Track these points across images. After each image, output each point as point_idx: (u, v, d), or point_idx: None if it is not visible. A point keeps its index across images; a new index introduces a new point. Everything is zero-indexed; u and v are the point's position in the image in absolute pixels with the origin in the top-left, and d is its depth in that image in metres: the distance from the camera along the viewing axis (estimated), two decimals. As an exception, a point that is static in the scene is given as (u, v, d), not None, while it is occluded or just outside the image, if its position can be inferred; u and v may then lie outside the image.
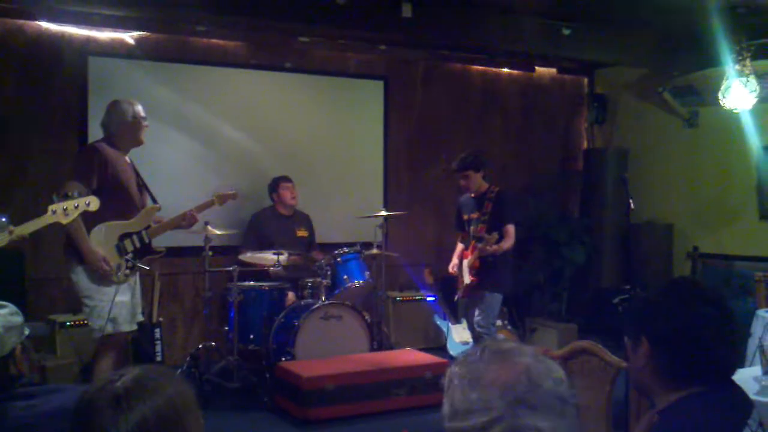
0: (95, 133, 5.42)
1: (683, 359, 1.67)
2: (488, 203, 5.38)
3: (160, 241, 4.71)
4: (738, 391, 1.70)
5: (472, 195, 5.51)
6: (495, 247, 5.18)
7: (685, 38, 6.38)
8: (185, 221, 4.67)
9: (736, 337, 1.73)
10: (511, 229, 5.32)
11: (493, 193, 5.41)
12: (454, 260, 5.60)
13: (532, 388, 1.21)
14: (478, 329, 5.39)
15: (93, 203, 3.65)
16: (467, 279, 5.40)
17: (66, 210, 3.55)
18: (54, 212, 3.53)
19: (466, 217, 5.56)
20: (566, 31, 6.28)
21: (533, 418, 1.18)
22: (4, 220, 4.37)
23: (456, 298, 5.68)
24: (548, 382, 1.22)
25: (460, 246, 5.67)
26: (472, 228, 5.46)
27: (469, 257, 5.39)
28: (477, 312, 5.40)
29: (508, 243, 5.29)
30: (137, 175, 4.55)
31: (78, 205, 3.59)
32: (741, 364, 3.74)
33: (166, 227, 4.63)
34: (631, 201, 5.77)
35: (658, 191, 7.40)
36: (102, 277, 4.18)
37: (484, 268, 5.32)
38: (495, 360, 1.26)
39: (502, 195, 5.44)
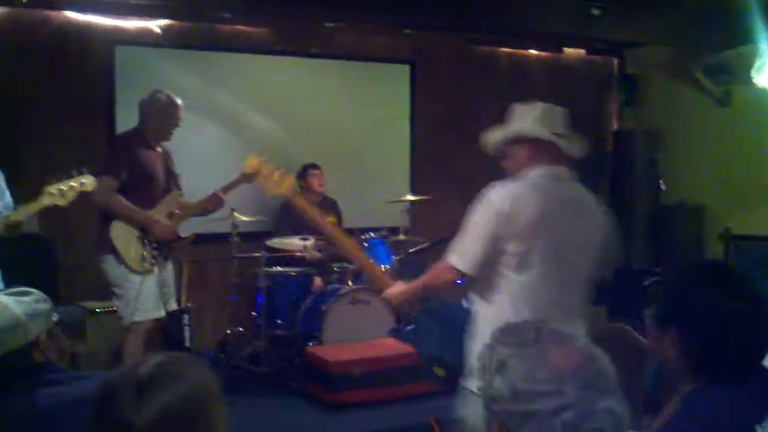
0: (122, 122, 5.48)
1: (714, 350, 1.64)
2: None
3: (190, 228, 4.74)
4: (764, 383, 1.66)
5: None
6: None
7: (717, 15, 6.24)
8: (211, 204, 4.67)
9: (766, 325, 1.68)
10: None
11: None
12: None
13: (596, 371, 1.21)
14: None
15: (89, 182, 3.61)
16: None
17: (62, 192, 3.51)
18: (51, 194, 3.51)
19: None
20: (596, 11, 6.17)
21: (605, 400, 1.19)
22: None
23: None
24: (605, 363, 1.23)
25: None
26: None
27: None
28: None
29: None
30: (167, 164, 4.56)
31: (74, 185, 3.56)
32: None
33: (192, 212, 4.64)
34: (661, 182, 5.71)
35: (690, 172, 7.27)
36: (127, 267, 4.23)
37: None
38: (555, 343, 1.24)
39: None
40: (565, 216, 2.70)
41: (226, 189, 4.74)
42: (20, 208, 3.53)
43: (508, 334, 1.29)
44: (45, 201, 3.47)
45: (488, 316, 2.68)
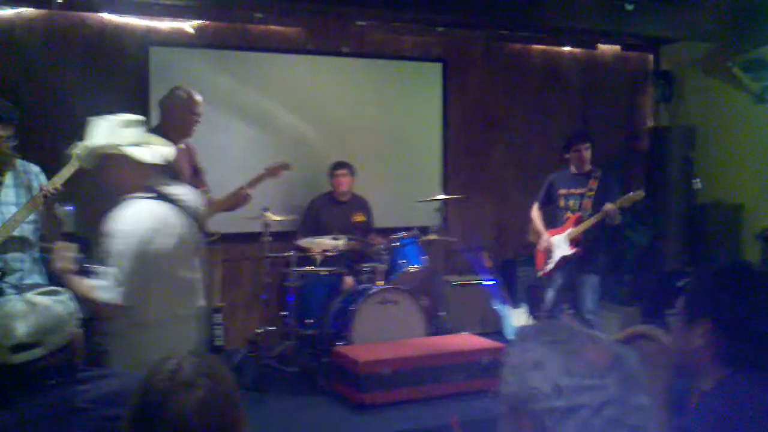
0: (157, 122, 5.55)
1: (743, 340, 1.70)
2: (594, 181, 5.46)
3: (225, 228, 4.74)
4: None
5: (574, 171, 5.52)
6: (619, 218, 5.27)
7: (755, 9, 6.12)
8: (238, 199, 4.69)
9: None
10: None
11: (598, 172, 5.51)
12: (546, 235, 5.57)
13: (630, 368, 1.22)
14: (589, 317, 5.42)
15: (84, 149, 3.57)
16: (567, 250, 5.40)
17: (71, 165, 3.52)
18: (79, 156, 3.49)
19: (563, 192, 5.57)
20: (629, 6, 6.09)
21: (641, 397, 1.19)
22: (70, 209, 4.48)
23: (540, 274, 5.63)
24: (635, 361, 1.23)
25: (539, 222, 5.67)
26: (571, 203, 5.52)
27: (570, 229, 5.42)
28: (587, 298, 5.45)
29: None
30: (192, 161, 4.59)
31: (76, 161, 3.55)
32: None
33: (219, 208, 4.66)
34: (696, 181, 5.63)
35: (727, 170, 7.12)
36: None
37: (586, 244, 5.39)
38: (588, 341, 1.25)
39: (608, 175, 5.57)
40: (178, 232, 2.86)
41: (252, 184, 4.76)
42: (54, 178, 3.63)
43: (539, 333, 1.29)
44: (75, 164, 3.51)
45: (142, 338, 2.76)
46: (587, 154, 5.51)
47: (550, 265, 5.52)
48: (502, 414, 1.27)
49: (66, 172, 3.58)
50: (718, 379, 1.71)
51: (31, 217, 3.74)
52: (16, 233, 3.71)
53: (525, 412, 1.21)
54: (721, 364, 1.71)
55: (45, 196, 3.64)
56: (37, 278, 3.81)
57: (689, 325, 1.76)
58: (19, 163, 3.87)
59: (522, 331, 1.31)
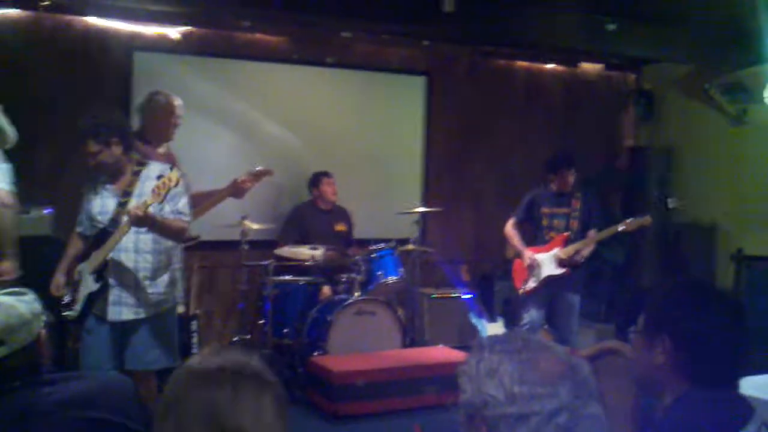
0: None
1: (701, 357, 1.72)
2: (576, 201, 5.47)
3: (203, 234, 4.73)
4: (741, 397, 1.76)
5: (555, 190, 5.53)
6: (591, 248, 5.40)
7: (734, 34, 6.22)
8: (237, 190, 4.68)
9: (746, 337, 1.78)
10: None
11: (579, 193, 5.52)
12: (529, 252, 5.52)
13: (583, 377, 1.23)
14: (572, 338, 5.43)
15: (173, 177, 3.51)
16: (554, 270, 5.37)
17: (158, 190, 3.47)
18: (153, 192, 3.48)
19: (547, 210, 5.54)
20: (611, 26, 6.16)
21: (593, 406, 1.21)
22: (47, 212, 4.46)
23: (521, 292, 5.59)
24: (588, 370, 1.25)
25: (517, 239, 5.62)
26: (555, 222, 5.50)
27: (557, 249, 5.38)
28: (572, 320, 5.48)
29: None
30: (173, 165, 4.59)
31: (165, 182, 3.52)
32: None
33: (211, 205, 4.65)
34: (669, 201, 5.70)
35: (703, 190, 7.21)
36: None
37: (573, 265, 5.40)
38: (542, 350, 1.27)
39: (588, 194, 5.60)
40: None
41: (255, 176, 4.76)
42: (137, 204, 3.52)
43: (494, 342, 1.31)
44: (149, 200, 3.46)
45: None
46: (572, 179, 5.48)
47: (533, 284, 5.48)
48: (461, 423, 1.29)
49: (150, 202, 3.48)
50: (678, 395, 1.74)
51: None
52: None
53: (481, 419, 1.23)
54: (681, 380, 1.74)
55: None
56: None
57: (650, 342, 1.78)
58: (148, 172, 3.72)
59: (478, 341, 1.33)
